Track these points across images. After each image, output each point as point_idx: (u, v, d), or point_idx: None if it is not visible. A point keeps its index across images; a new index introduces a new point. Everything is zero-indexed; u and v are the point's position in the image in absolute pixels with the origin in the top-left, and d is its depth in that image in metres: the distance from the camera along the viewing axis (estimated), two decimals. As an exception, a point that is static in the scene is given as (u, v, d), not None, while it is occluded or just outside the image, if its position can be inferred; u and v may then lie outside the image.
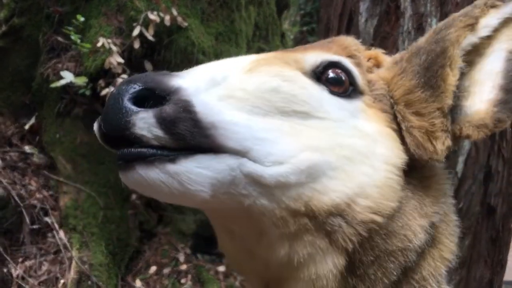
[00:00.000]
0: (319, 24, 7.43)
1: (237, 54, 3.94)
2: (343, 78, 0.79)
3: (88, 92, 3.57)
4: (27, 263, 3.13)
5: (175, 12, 3.73)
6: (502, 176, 2.08)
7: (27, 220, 3.24)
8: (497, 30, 0.83)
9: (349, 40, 0.89)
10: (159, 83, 0.64)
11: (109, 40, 3.52)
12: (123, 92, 0.63)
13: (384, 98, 0.83)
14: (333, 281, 0.72)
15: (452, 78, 0.79)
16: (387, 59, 0.91)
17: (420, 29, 1.94)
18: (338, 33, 2.22)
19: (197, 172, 0.62)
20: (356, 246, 0.72)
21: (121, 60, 3.49)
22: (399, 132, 0.81)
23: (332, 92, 0.78)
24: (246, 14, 4.46)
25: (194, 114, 0.62)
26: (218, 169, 0.64)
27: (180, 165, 0.62)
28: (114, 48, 3.49)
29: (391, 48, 1.95)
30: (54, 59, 3.78)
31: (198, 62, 3.88)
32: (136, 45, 3.59)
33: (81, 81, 3.50)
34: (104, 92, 3.45)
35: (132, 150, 0.63)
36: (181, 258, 3.71)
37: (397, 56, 0.88)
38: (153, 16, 3.64)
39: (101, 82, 3.51)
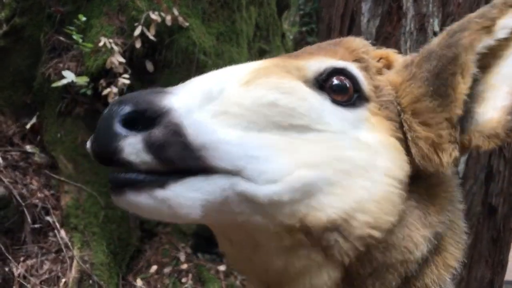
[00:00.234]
0: (318, 24, 7.43)
1: (238, 54, 3.94)
2: (348, 85, 0.77)
3: (89, 92, 3.58)
4: (29, 262, 3.13)
5: (176, 12, 3.74)
6: (503, 176, 2.09)
7: (29, 219, 3.25)
8: None
9: (357, 42, 0.85)
10: (150, 104, 0.62)
11: (111, 40, 3.53)
12: (114, 114, 0.62)
13: (391, 105, 0.79)
14: None
15: (463, 86, 0.75)
16: (398, 60, 0.87)
17: (422, 30, 1.94)
18: (340, 33, 2.23)
19: (186, 196, 0.62)
20: (353, 259, 0.70)
21: (122, 60, 3.50)
22: (405, 141, 0.78)
23: (335, 101, 0.75)
24: (247, 15, 4.47)
25: (184, 137, 0.61)
26: (209, 191, 0.63)
27: (169, 190, 0.62)
28: (116, 48, 3.50)
29: (393, 48, 1.96)
30: (56, 59, 3.79)
31: (199, 62, 3.88)
32: (138, 44, 3.60)
33: (83, 80, 3.50)
34: (105, 91, 3.45)
35: (121, 176, 0.63)
36: (182, 257, 3.72)
37: (408, 58, 0.84)
38: (154, 16, 3.65)
39: (103, 82, 3.51)
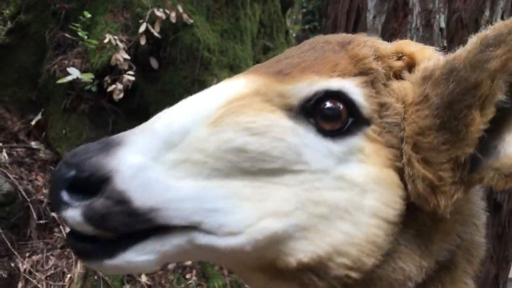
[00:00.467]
0: (320, 21, 7.43)
1: (242, 51, 3.94)
2: (341, 111, 0.67)
3: (94, 88, 3.60)
4: (34, 257, 3.15)
5: (180, 9, 3.75)
6: (508, 172, 2.09)
7: (34, 215, 3.27)
8: None
9: (365, 50, 0.71)
10: (94, 168, 0.58)
11: (116, 37, 3.54)
12: (60, 177, 0.59)
13: (395, 128, 0.68)
14: None
15: (479, 123, 0.62)
16: (423, 61, 0.71)
17: (428, 26, 1.95)
18: (346, 30, 2.23)
19: (138, 260, 0.60)
20: None
21: (127, 57, 3.52)
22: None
23: (322, 131, 0.66)
24: (251, 12, 4.47)
25: (128, 204, 0.58)
26: (163, 250, 0.61)
27: (118, 259, 0.60)
28: (120, 45, 3.52)
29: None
30: (60, 56, 3.81)
31: (203, 59, 3.89)
32: (142, 41, 3.62)
33: (87, 77, 3.52)
34: (110, 88, 3.47)
35: (71, 243, 0.63)
36: (186, 254, 3.73)
37: (430, 66, 0.68)
38: (159, 13, 3.66)
39: (107, 79, 3.53)
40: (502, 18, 1.90)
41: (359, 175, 0.66)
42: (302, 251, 0.63)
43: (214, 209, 0.60)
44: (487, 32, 0.63)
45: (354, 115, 0.67)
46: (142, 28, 3.61)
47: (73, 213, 0.58)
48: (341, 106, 0.67)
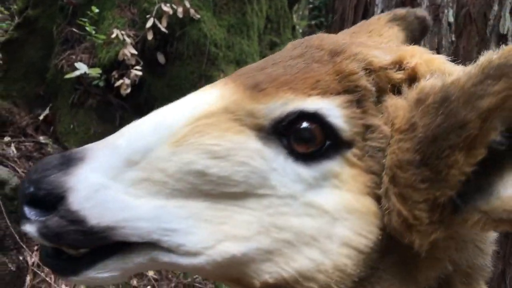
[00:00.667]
0: (327, 16, 7.41)
1: (248, 46, 3.93)
2: (316, 134, 0.63)
3: (101, 83, 3.62)
4: (43, 251, 3.18)
5: (187, 4, 3.76)
6: (516, 167, 2.08)
7: (42, 209, 3.29)
8: None
9: (353, 65, 0.65)
10: (50, 186, 0.59)
11: (123, 32, 3.55)
12: (21, 193, 0.61)
13: (378, 153, 0.63)
14: None
15: (463, 166, 0.55)
16: (427, 76, 0.63)
17: (436, 21, 1.94)
18: (354, 25, 2.23)
19: (102, 277, 0.62)
20: None
21: (134, 52, 3.53)
22: None
23: (293, 153, 0.63)
24: (257, 7, 4.47)
25: (83, 223, 0.58)
26: (126, 267, 0.62)
27: (82, 276, 0.62)
28: (128, 40, 3.53)
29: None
30: (68, 51, 3.83)
31: (210, 54, 3.89)
32: (149, 36, 3.63)
33: (95, 72, 3.54)
34: (117, 83, 3.49)
35: (42, 257, 0.65)
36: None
37: (427, 88, 0.60)
38: (166, 8, 3.67)
39: (115, 74, 3.55)
40: (511, 12, 1.89)
41: (330, 202, 0.62)
42: (268, 272, 0.62)
43: (171, 229, 0.60)
44: (494, 55, 0.54)
45: (332, 138, 0.63)
46: (149, 23, 3.62)
47: (30, 229, 0.59)
48: (317, 129, 0.63)
